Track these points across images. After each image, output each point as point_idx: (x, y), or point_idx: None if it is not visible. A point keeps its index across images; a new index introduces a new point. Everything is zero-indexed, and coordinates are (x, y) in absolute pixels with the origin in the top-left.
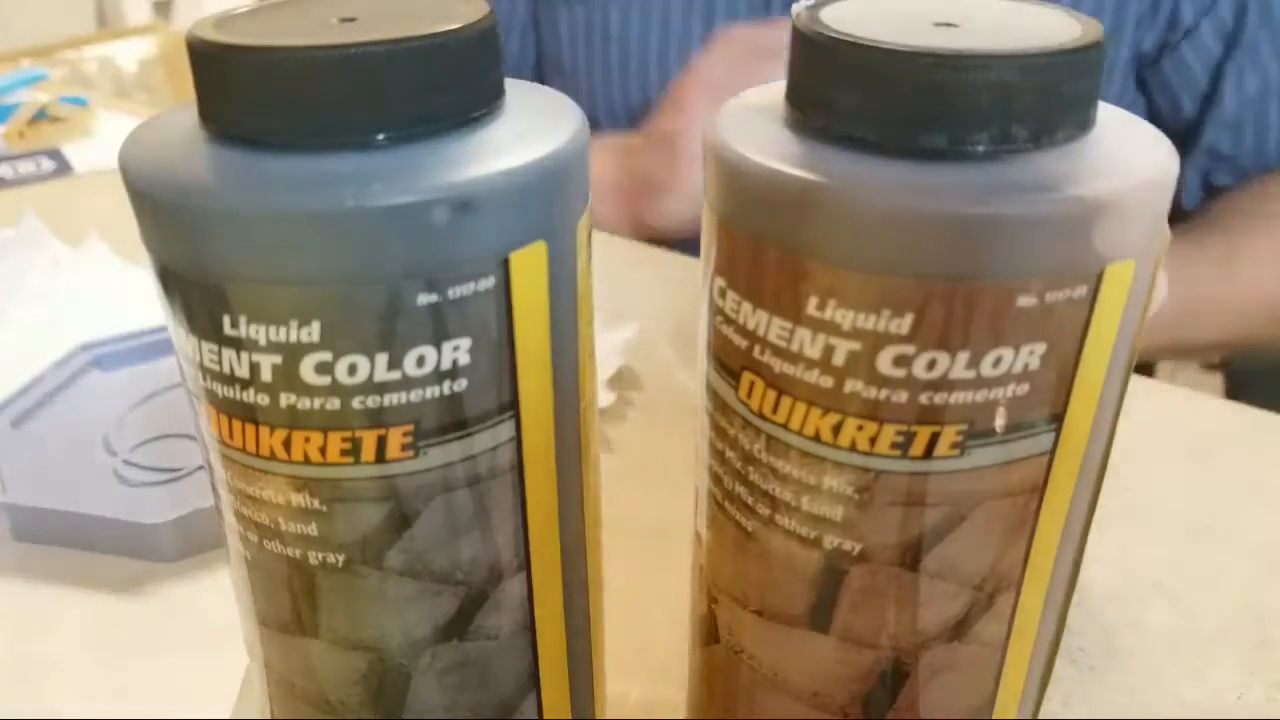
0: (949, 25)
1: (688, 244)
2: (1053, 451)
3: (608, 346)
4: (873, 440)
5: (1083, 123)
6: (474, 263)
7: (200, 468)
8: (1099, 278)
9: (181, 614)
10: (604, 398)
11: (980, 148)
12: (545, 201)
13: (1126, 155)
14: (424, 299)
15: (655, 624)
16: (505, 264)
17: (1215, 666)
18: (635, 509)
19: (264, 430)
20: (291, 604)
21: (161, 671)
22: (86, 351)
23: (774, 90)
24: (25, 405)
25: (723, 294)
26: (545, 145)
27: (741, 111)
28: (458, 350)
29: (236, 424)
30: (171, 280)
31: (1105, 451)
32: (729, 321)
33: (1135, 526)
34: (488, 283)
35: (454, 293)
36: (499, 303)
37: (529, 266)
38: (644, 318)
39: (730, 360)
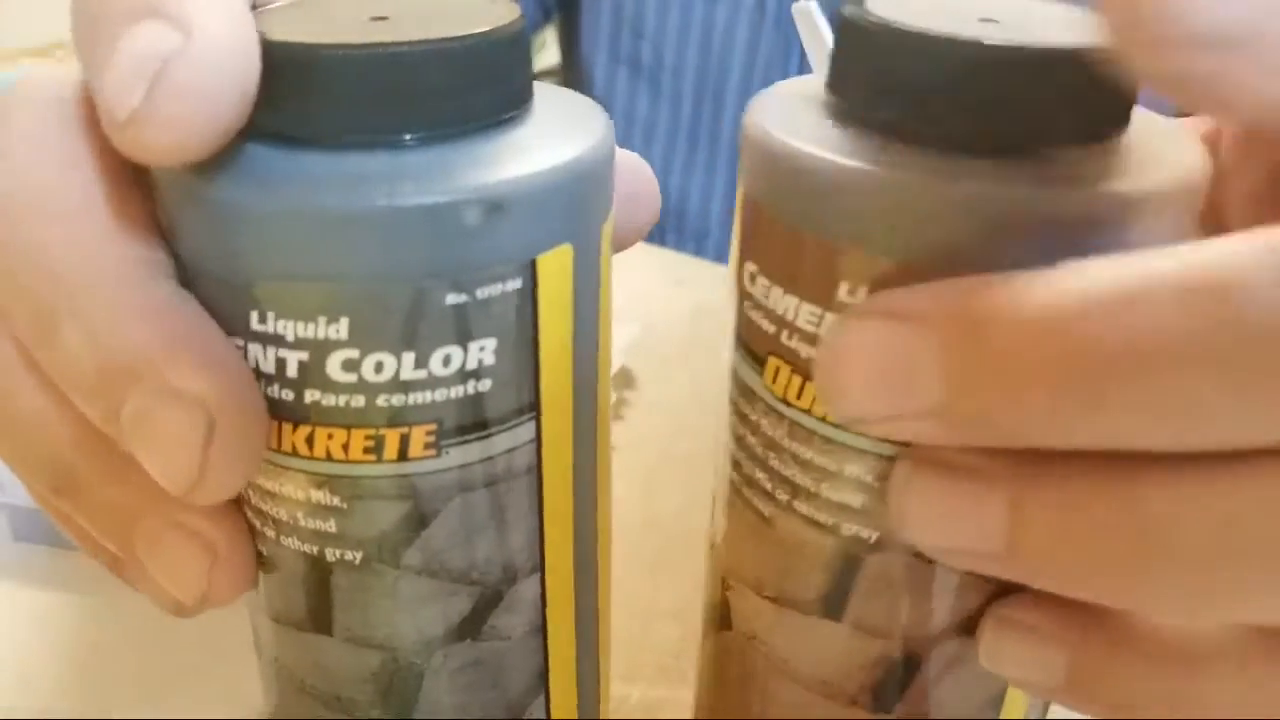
0: (991, 21)
1: (688, 243)
2: None
3: None
4: None
5: (1119, 121)
6: (502, 264)
7: None
8: None
9: None
10: None
11: (1020, 141)
12: (572, 205)
13: (1160, 155)
14: (452, 299)
15: (656, 624)
16: (532, 266)
17: None
18: (635, 509)
19: (286, 426)
20: (306, 600)
21: (161, 672)
22: None
23: (814, 79)
24: None
25: (753, 279)
26: (573, 148)
27: (781, 98)
28: (483, 351)
29: None
30: (196, 276)
31: None
32: (757, 306)
33: None
34: (515, 284)
35: (482, 293)
36: (525, 304)
37: (555, 269)
38: (644, 318)
39: (757, 346)
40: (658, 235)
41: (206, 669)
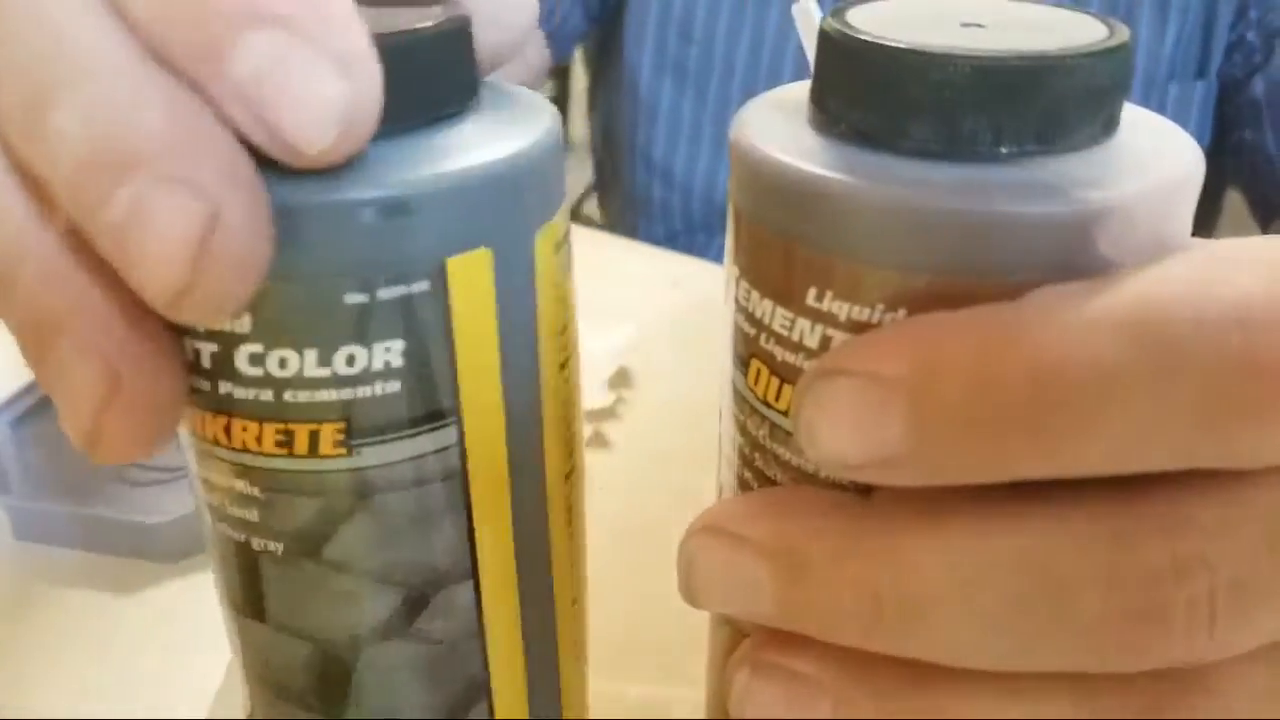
0: (976, 25)
1: (688, 244)
2: None
3: (607, 347)
4: None
5: (1104, 126)
6: (406, 265)
7: None
8: None
9: (181, 614)
10: (603, 398)
11: (992, 148)
12: (491, 208)
13: (1143, 162)
14: (352, 298)
15: (653, 623)
16: (442, 269)
17: None
18: (634, 508)
19: (208, 415)
20: (242, 587)
21: (161, 672)
22: None
23: (802, 88)
24: (25, 405)
25: (737, 283)
26: (497, 150)
27: (769, 105)
28: (389, 352)
29: (188, 408)
30: None
31: None
32: (741, 310)
33: None
34: (421, 286)
35: (384, 294)
36: (435, 307)
37: (470, 273)
38: (643, 318)
39: (741, 348)
40: (704, 234)
41: (207, 670)
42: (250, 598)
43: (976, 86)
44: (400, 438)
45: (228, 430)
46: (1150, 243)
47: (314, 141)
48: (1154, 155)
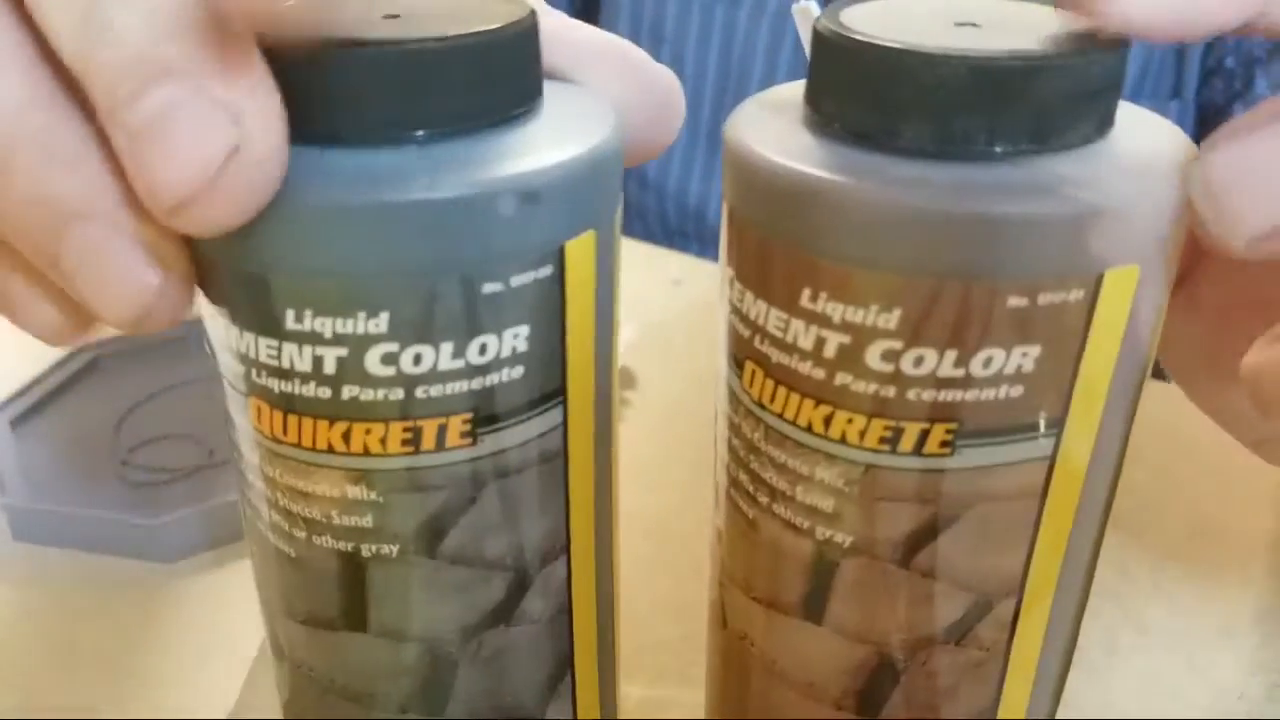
0: (970, 25)
1: (688, 244)
2: (1053, 457)
3: None
4: (862, 434)
5: (1098, 125)
6: (535, 251)
7: (200, 468)
8: (1098, 282)
9: (181, 614)
10: None
11: (985, 148)
12: (595, 191)
13: (1137, 161)
14: (489, 288)
15: (655, 623)
16: (561, 252)
17: (1215, 666)
18: (635, 509)
19: (321, 424)
20: (340, 599)
21: (161, 672)
22: (86, 351)
23: (796, 88)
24: (25, 405)
25: (731, 284)
26: (591, 138)
27: (762, 106)
28: (517, 338)
29: (292, 419)
30: (224, 277)
31: (1117, 462)
32: (735, 311)
33: (1135, 527)
34: (546, 270)
35: (516, 281)
36: (555, 290)
37: (581, 254)
38: (644, 318)
39: (736, 349)
40: (680, 240)
41: (202, 670)
42: (349, 609)
43: (971, 86)
44: (518, 422)
45: (346, 436)
46: (1144, 239)
47: (173, 186)
48: (1149, 153)
